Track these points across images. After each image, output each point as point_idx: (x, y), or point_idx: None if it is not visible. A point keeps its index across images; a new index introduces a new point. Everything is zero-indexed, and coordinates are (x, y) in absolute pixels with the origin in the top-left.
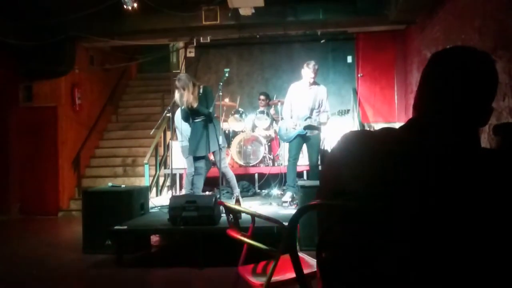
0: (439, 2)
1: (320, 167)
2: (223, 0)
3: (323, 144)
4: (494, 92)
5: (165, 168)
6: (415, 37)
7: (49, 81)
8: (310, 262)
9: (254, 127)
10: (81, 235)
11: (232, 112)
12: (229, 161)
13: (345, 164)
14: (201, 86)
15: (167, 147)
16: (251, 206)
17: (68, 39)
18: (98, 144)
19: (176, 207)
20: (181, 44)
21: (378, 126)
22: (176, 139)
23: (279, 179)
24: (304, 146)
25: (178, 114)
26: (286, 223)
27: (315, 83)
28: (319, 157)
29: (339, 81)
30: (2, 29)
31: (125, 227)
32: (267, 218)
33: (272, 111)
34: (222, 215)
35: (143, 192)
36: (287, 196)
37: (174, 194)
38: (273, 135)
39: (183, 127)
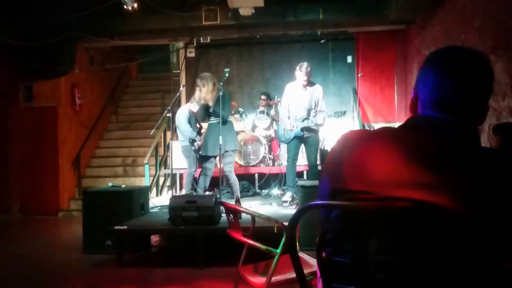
0: (439, 2)
1: (319, 167)
2: (223, 0)
3: (323, 144)
4: (490, 90)
5: (165, 168)
6: (415, 37)
7: (49, 81)
8: (310, 262)
9: (254, 127)
10: (81, 235)
11: (232, 112)
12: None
13: (345, 163)
14: (221, 89)
15: (167, 147)
16: (251, 206)
17: (68, 39)
18: (98, 144)
19: (176, 207)
20: (181, 44)
21: (378, 126)
22: (177, 139)
23: (279, 179)
24: (303, 146)
25: (179, 114)
26: (286, 223)
27: (310, 83)
28: (318, 157)
29: (339, 81)
30: (2, 29)
31: (125, 227)
32: (267, 218)
33: (272, 111)
34: (222, 215)
35: (143, 192)
36: (287, 196)
37: (174, 194)
38: (273, 135)
39: (183, 127)
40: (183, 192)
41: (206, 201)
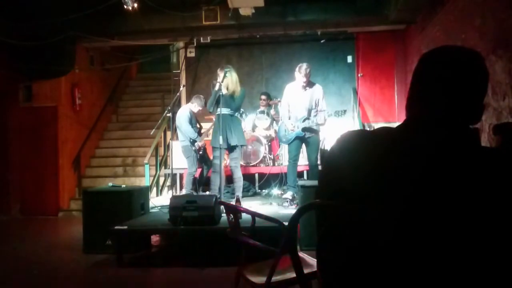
0: (439, 1)
1: (319, 167)
2: (223, 0)
3: (323, 144)
4: (485, 89)
5: (165, 168)
6: (415, 36)
7: (49, 81)
8: (310, 262)
9: (254, 127)
10: (82, 235)
11: None
12: (229, 161)
13: (344, 163)
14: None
15: (167, 147)
16: (251, 206)
17: (68, 39)
18: (98, 144)
19: (177, 207)
20: (181, 44)
21: (378, 125)
22: (177, 139)
23: (279, 179)
24: (304, 146)
25: (180, 114)
26: (286, 223)
27: (310, 83)
28: (318, 157)
29: (339, 81)
30: (2, 29)
31: (125, 227)
32: (268, 218)
33: (272, 111)
34: (222, 215)
35: (143, 192)
36: (288, 195)
37: (174, 194)
38: (273, 135)
39: (184, 128)
40: (183, 192)
41: (206, 201)
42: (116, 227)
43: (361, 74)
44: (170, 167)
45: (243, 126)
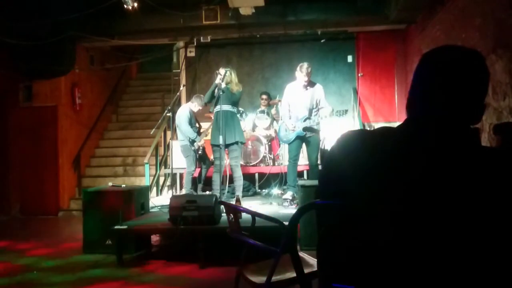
0: (439, 1)
1: (319, 167)
2: None
3: (323, 143)
4: (486, 89)
5: (165, 167)
6: (415, 36)
7: (49, 81)
8: (310, 262)
9: (254, 127)
10: (81, 234)
11: None
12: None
13: (344, 163)
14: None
15: (167, 147)
16: (252, 205)
17: (68, 39)
18: (98, 143)
19: (177, 206)
20: (181, 43)
21: (378, 125)
22: (177, 138)
23: (280, 179)
24: (304, 146)
25: (180, 113)
26: (286, 223)
27: (311, 83)
28: (318, 157)
29: (339, 80)
30: (2, 29)
31: (125, 226)
32: (268, 218)
33: (273, 110)
34: (222, 214)
35: (144, 192)
36: (288, 196)
37: (174, 193)
38: (273, 134)
39: (184, 128)
40: (183, 191)
41: (206, 201)
42: (116, 227)
43: (361, 74)
44: (170, 167)
45: (243, 125)
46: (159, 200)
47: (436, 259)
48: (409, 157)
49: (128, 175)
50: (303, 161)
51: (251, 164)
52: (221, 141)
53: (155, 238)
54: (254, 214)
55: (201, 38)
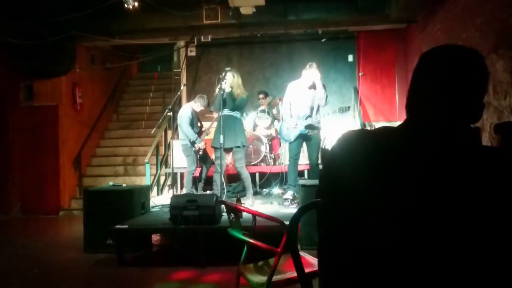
0: (440, 1)
1: (320, 166)
2: None
3: (323, 143)
4: (485, 88)
5: (166, 167)
6: (416, 35)
7: (50, 80)
8: (311, 261)
9: (255, 126)
10: (82, 234)
11: None
12: (230, 160)
13: (345, 163)
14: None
15: (168, 146)
16: (252, 205)
17: (69, 38)
18: (99, 143)
19: (177, 206)
20: (182, 43)
21: (379, 125)
22: (177, 138)
23: (280, 178)
24: (304, 145)
25: (182, 113)
26: (287, 222)
27: (312, 84)
28: (319, 156)
29: (340, 80)
30: (2, 29)
31: (126, 226)
32: (268, 217)
33: (274, 110)
34: (223, 214)
35: (144, 191)
36: (288, 195)
37: (175, 193)
38: (274, 134)
39: (185, 129)
40: (184, 191)
41: (207, 200)
42: (116, 226)
43: (362, 73)
44: (171, 166)
45: (244, 125)
46: (160, 200)
47: (436, 259)
48: (409, 157)
49: (129, 175)
50: (303, 161)
51: (251, 163)
52: (221, 141)
53: (155, 238)
54: (254, 214)
55: (202, 37)
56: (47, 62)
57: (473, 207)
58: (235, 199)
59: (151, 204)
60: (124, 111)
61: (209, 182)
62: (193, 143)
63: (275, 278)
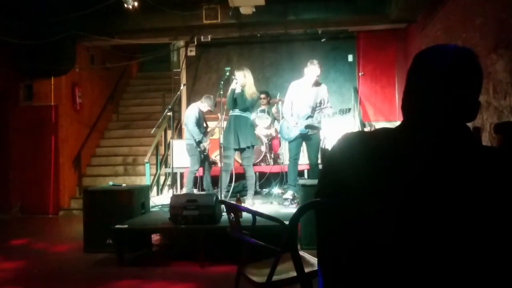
0: (440, 0)
1: (320, 166)
2: None
3: (323, 143)
4: (479, 87)
5: (165, 167)
6: (416, 35)
7: (50, 80)
8: (311, 261)
9: (255, 126)
10: (82, 234)
11: None
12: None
13: (344, 163)
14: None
15: (167, 146)
16: (252, 205)
17: (69, 38)
18: (98, 143)
19: (177, 206)
20: (181, 43)
21: (379, 125)
22: (177, 138)
23: (280, 178)
24: (304, 145)
25: (188, 113)
26: (287, 222)
27: (316, 81)
28: (319, 156)
29: (339, 80)
30: (2, 29)
31: (126, 226)
32: (268, 217)
33: (274, 109)
34: (223, 214)
35: (144, 191)
36: (288, 195)
37: (174, 193)
38: (274, 134)
39: (191, 128)
40: (184, 191)
41: (206, 200)
42: (116, 226)
43: (362, 73)
44: (171, 166)
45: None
46: (160, 200)
47: (436, 259)
48: (408, 157)
49: (129, 174)
50: (303, 161)
51: None
52: (232, 141)
53: (155, 238)
54: (254, 214)
55: (202, 37)
56: (47, 62)
57: (473, 207)
58: (235, 199)
59: (151, 204)
60: (124, 111)
61: (209, 183)
62: (198, 143)
63: (275, 278)
